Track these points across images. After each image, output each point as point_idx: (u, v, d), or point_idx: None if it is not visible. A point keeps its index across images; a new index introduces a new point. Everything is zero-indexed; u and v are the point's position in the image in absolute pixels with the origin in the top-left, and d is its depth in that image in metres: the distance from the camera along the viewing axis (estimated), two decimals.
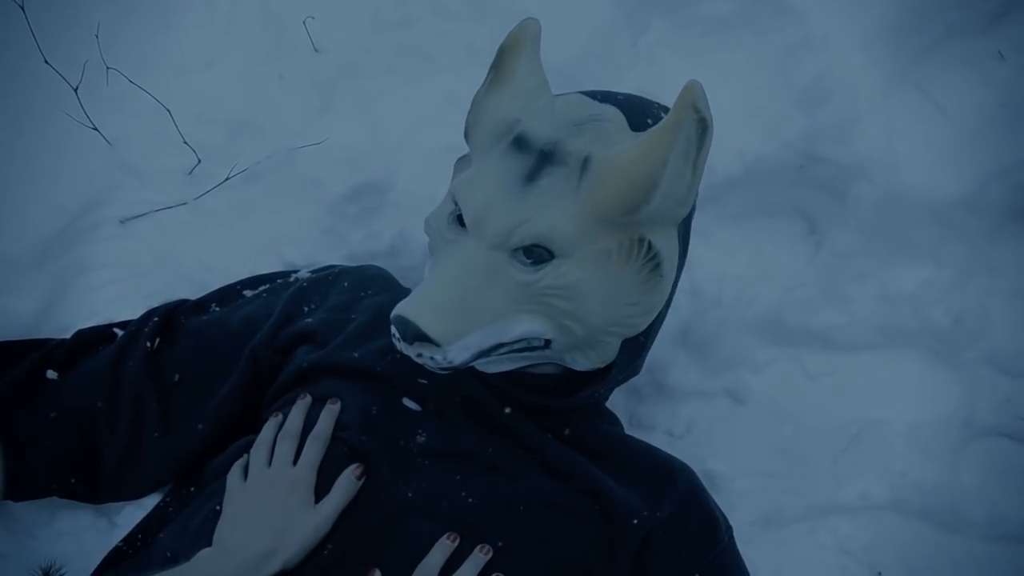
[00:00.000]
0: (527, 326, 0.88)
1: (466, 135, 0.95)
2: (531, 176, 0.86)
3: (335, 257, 1.25)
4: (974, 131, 1.29)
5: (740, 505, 1.21)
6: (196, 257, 1.21)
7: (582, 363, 0.95)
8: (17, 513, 1.06)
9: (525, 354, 0.93)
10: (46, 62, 1.18)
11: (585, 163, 0.86)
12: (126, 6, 1.32)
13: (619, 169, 0.84)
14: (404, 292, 1.11)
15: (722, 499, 1.06)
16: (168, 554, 0.91)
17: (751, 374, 1.28)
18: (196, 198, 1.25)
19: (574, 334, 0.89)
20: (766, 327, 1.29)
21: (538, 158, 0.87)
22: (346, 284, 1.10)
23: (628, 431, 1.07)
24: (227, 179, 1.25)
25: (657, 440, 1.19)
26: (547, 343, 0.91)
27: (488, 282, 0.86)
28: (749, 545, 1.08)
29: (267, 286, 1.14)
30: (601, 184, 0.85)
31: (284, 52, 1.35)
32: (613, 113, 0.91)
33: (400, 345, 0.87)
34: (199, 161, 1.26)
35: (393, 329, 0.86)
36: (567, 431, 0.97)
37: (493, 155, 0.89)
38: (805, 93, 1.28)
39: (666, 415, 1.29)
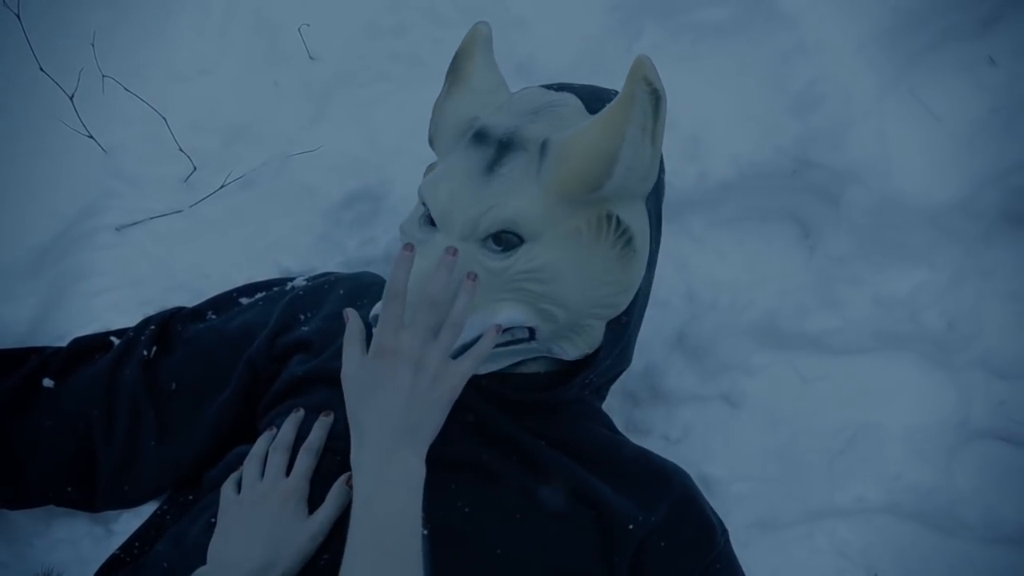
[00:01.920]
0: (507, 314, 0.88)
1: (431, 142, 0.97)
2: (491, 166, 0.88)
3: (331, 264, 1.25)
4: (967, 136, 1.29)
5: (736, 509, 1.21)
6: (192, 264, 1.21)
7: (570, 351, 0.95)
8: (14, 521, 1.06)
9: (511, 348, 0.93)
10: (42, 70, 1.18)
11: (543, 147, 0.87)
12: (121, 14, 1.32)
13: (577, 147, 0.86)
14: None
15: (718, 503, 1.06)
16: (165, 564, 0.91)
17: (746, 378, 1.28)
18: (192, 205, 1.25)
19: (556, 319, 0.90)
20: (761, 331, 1.29)
21: (497, 148, 0.89)
22: (342, 292, 1.09)
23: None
24: (222, 186, 1.25)
25: (653, 444, 1.19)
26: (532, 334, 0.92)
27: (462, 275, 0.86)
28: (746, 549, 1.08)
29: (263, 294, 1.14)
30: (561, 164, 0.86)
31: (279, 59, 1.35)
32: (569, 99, 0.93)
33: None
34: (194, 168, 1.26)
35: (374, 330, 0.86)
36: (559, 435, 0.96)
37: (456, 153, 0.91)
38: (798, 98, 1.28)
39: (662, 419, 1.29)
